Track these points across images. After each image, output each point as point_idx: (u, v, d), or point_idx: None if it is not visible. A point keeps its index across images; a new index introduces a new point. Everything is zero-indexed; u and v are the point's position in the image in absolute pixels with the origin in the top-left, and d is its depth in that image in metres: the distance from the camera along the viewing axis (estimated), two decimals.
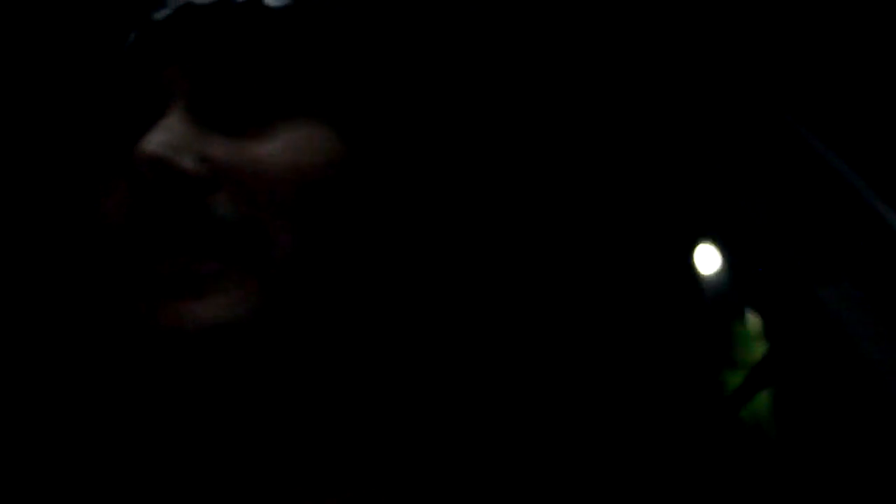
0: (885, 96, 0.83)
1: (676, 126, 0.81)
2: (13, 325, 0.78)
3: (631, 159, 0.80)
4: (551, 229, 0.73)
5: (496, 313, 0.69)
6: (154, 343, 0.57)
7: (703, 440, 0.69)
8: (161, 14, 0.62)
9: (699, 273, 0.84)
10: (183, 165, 0.56)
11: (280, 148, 0.58)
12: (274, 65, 0.60)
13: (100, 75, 0.64)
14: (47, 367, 0.75)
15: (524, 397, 0.66)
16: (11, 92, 0.78)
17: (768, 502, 0.68)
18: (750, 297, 0.87)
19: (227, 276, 0.56)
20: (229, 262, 0.56)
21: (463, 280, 0.67)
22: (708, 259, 0.85)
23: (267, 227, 0.57)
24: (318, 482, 0.60)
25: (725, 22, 0.84)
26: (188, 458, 0.63)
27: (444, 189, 0.66)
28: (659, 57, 0.82)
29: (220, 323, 0.56)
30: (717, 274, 0.85)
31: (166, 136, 0.56)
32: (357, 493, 0.60)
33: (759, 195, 0.80)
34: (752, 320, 0.88)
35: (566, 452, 0.62)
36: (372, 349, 0.62)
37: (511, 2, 0.77)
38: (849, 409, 0.74)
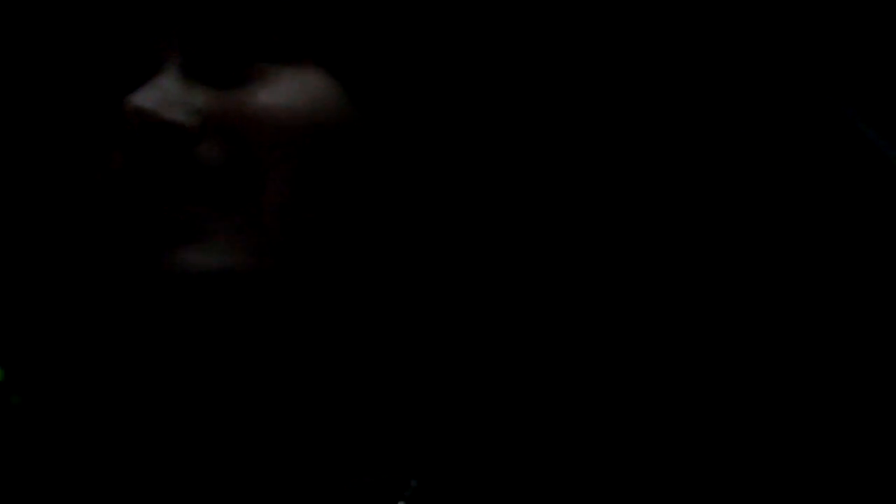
0: None
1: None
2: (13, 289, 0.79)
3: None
4: (549, 211, 0.73)
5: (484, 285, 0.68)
6: (155, 292, 0.58)
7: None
8: None
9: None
10: (169, 116, 0.57)
11: (274, 94, 0.58)
12: (268, 15, 0.60)
13: (92, 49, 0.65)
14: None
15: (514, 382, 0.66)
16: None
17: None
18: None
19: (222, 221, 0.57)
20: (221, 206, 0.57)
21: (456, 252, 0.66)
22: None
23: (257, 169, 0.57)
24: (309, 467, 0.60)
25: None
26: (181, 433, 0.63)
27: (443, 144, 0.65)
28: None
29: (219, 269, 0.57)
30: None
31: (154, 92, 0.58)
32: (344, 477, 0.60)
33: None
34: None
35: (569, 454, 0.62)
36: (361, 315, 0.62)
37: None
38: None
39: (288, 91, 0.58)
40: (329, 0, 0.61)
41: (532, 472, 0.61)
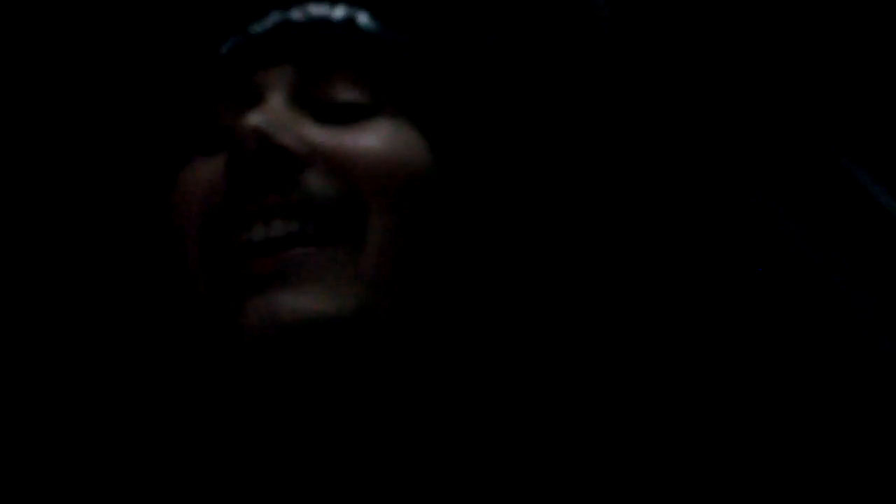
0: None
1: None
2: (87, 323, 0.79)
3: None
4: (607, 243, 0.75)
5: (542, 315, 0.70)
6: (241, 342, 0.56)
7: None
8: (258, 28, 0.68)
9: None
10: (283, 140, 0.58)
11: (375, 138, 0.61)
12: (364, 73, 0.64)
13: (195, 75, 0.69)
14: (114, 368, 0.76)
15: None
16: (113, 86, 0.82)
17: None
18: None
19: (322, 263, 0.57)
20: (323, 240, 0.57)
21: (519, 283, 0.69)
22: None
23: (366, 203, 0.59)
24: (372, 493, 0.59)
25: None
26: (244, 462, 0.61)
27: (513, 191, 0.70)
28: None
29: (319, 315, 0.55)
30: None
31: (268, 115, 0.60)
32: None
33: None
34: None
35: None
36: (432, 349, 0.63)
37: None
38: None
39: (388, 137, 0.62)
40: (412, 68, 0.67)
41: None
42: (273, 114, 0.61)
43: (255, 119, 0.59)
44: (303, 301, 0.56)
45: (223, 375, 0.63)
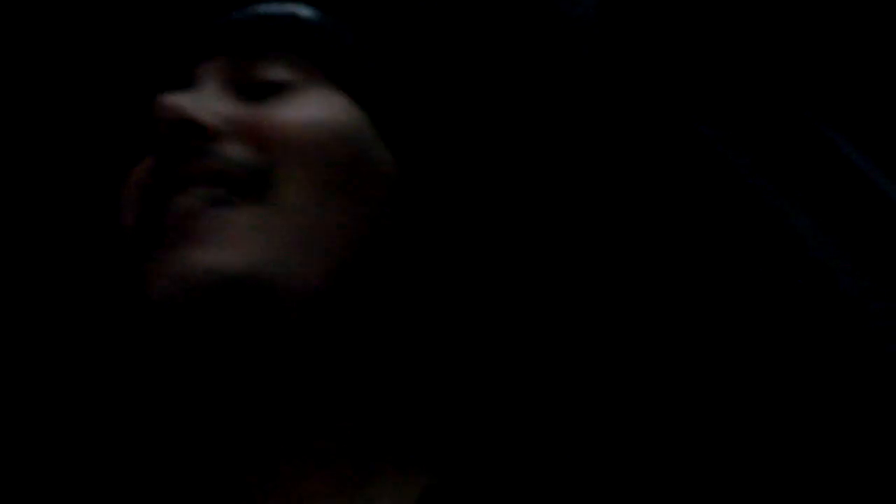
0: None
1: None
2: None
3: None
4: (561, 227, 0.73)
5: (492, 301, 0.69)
6: (150, 304, 0.56)
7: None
8: (205, 27, 0.69)
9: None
10: (195, 113, 0.59)
11: (294, 108, 0.62)
12: (295, 53, 0.65)
13: (145, 73, 0.72)
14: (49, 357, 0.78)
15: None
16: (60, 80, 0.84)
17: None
18: None
19: (232, 221, 0.57)
20: (240, 201, 0.58)
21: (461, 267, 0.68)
22: None
23: (277, 170, 0.59)
24: (310, 475, 0.58)
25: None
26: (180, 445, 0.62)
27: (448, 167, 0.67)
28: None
29: (225, 270, 0.55)
30: None
31: (186, 96, 0.61)
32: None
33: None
34: None
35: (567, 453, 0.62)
36: (371, 330, 0.61)
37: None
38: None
39: (309, 107, 0.62)
40: (348, 45, 0.67)
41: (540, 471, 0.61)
42: (193, 94, 0.62)
43: (172, 96, 0.60)
44: (209, 256, 0.55)
45: (143, 352, 0.64)
